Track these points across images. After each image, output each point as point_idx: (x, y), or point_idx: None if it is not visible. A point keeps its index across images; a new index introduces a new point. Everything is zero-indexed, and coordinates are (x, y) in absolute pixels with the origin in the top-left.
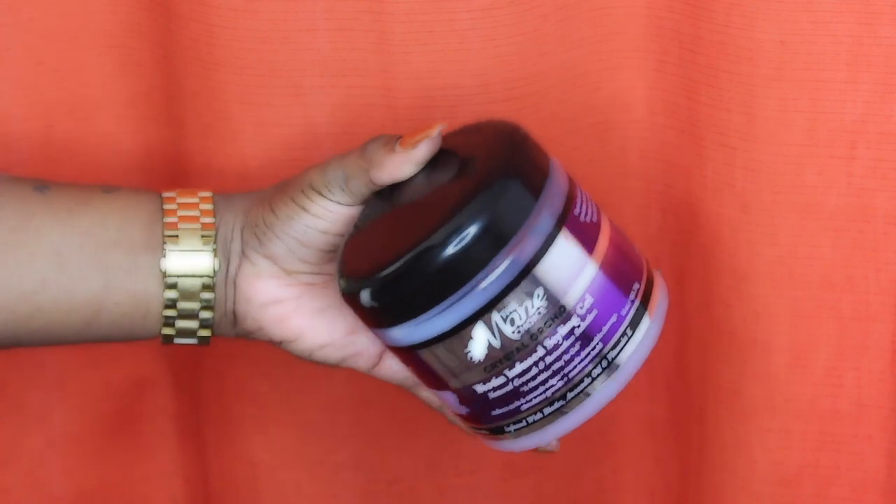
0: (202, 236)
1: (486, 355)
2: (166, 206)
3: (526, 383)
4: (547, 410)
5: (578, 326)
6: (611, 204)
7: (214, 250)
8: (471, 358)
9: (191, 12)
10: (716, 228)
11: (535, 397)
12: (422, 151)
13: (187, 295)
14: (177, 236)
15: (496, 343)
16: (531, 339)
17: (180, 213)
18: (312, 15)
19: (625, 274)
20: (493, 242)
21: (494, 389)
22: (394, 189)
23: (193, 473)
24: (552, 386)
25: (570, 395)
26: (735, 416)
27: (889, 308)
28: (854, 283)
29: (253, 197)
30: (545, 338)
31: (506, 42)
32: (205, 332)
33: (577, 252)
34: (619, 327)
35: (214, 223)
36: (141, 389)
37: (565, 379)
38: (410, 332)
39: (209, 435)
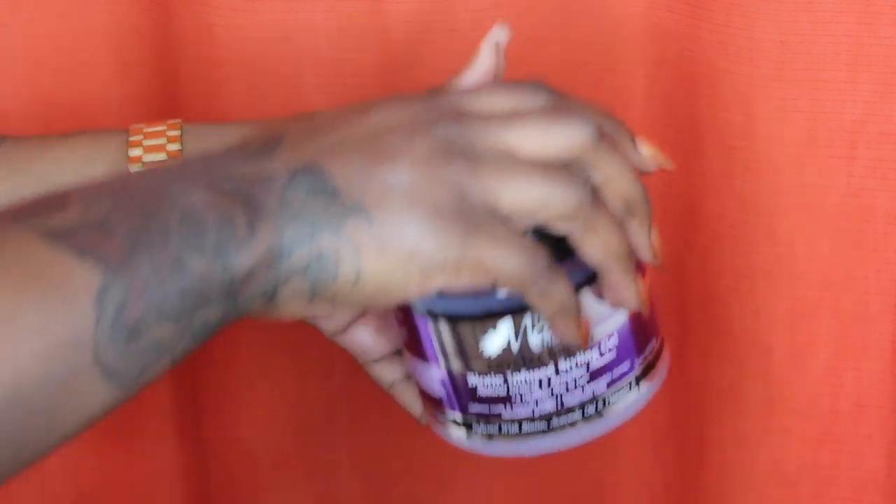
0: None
1: (500, 352)
2: (132, 138)
3: (521, 394)
4: (526, 427)
5: (596, 361)
6: None
7: None
8: (482, 348)
9: (191, 12)
10: (716, 228)
11: (521, 410)
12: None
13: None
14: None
15: (515, 345)
16: (548, 355)
17: (146, 142)
18: (312, 15)
19: (649, 327)
20: (560, 249)
21: (487, 386)
22: None
23: (193, 473)
24: (544, 407)
25: (554, 422)
26: (735, 416)
27: (889, 308)
28: (854, 283)
29: (226, 138)
30: (562, 359)
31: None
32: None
33: None
34: (626, 377)
35: (181, 150)
36: None
37: (559, 405)
38: (437, 300)
39: (209, 434)
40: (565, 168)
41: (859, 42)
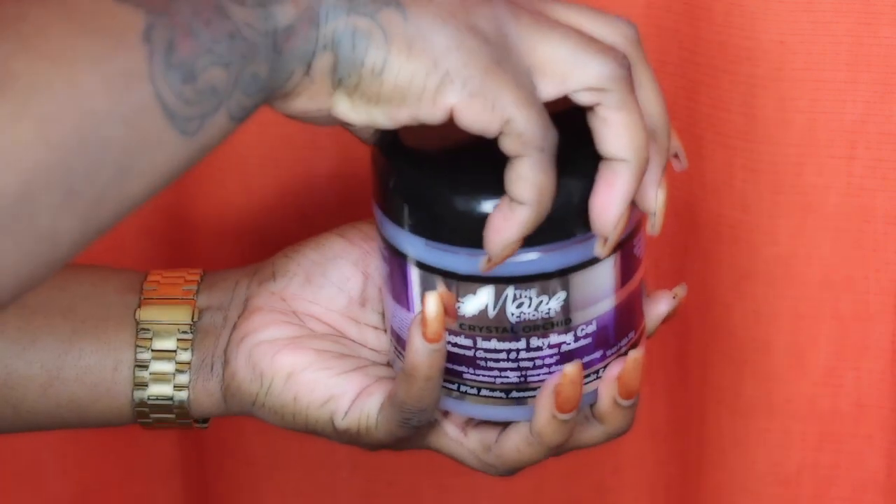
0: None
1: (474, 316)
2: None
3: (487, 360)
4: (484, 392)
5: (568, 345)
6: None
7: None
8: (458, 307)
9: None
10: (716, 228)
11: (484, 375)
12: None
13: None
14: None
15: (491, 313)
16: (522, 330)
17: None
18: None
19: (630, 319)
20: (557, 228)
21: (455, 346)
22: None
23: (193, 473)
24: (506, 378)
25: (514, 394)
26: (735, 416)
27: (889, 308)
28: (854, 283)
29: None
30: (535, 336)
31: None
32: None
33: (613, 280)
34: (595, 365)
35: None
36: None
37: (522, 379)
38: (426, 250)
39: (209, 435)
40: (608, 44)
41: (859, 42)
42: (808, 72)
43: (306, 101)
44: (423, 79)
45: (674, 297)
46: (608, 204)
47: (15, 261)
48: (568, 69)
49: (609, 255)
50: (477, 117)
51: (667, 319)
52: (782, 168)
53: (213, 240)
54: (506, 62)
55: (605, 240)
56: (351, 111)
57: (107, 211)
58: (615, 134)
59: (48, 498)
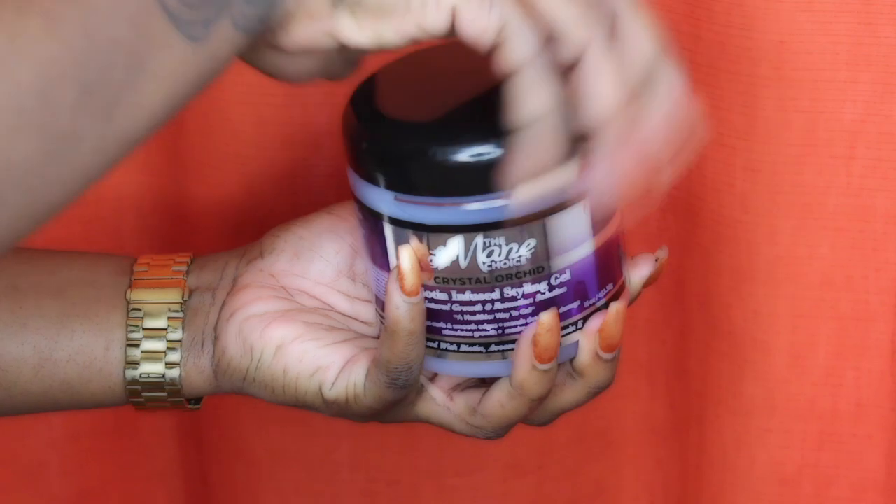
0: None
1: (446, 268)
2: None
3: (463, 313)
4: (464, 348)
5: (542, 294)
6: None
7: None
8: (431, 260)
9: None
10: (716, 228)
11: (462, 329)
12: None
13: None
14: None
15: (462, 263)
16: (495, 280)
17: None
18: None
19: (608, 271)
20: None
21: (431, 301)
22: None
23: (193, 473)
24: (484, 331)
25: (493, 348)
26: (735, 416)
27: (889, 308)
28: (853, 283)
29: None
30: (508, 286)
31: None
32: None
33: (585, 227)
34: (572, 315)
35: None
36: None
37: (499, 332)
38: (395, 205)
39: (209, 435)
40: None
41: (859, 42)
42: (808, 72)
43: (308, 26)
44: None
45: (656, 260)
46: (603, 88)
47: (41, 160)
48: (550, 11)
49: (581, 200)
50: (474, 16)
51: (649, 283)
52: (782, 168)
53: (212, 238)
54: None
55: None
56: (357, 31)
57: (124, 115)
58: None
59: (48, 498)
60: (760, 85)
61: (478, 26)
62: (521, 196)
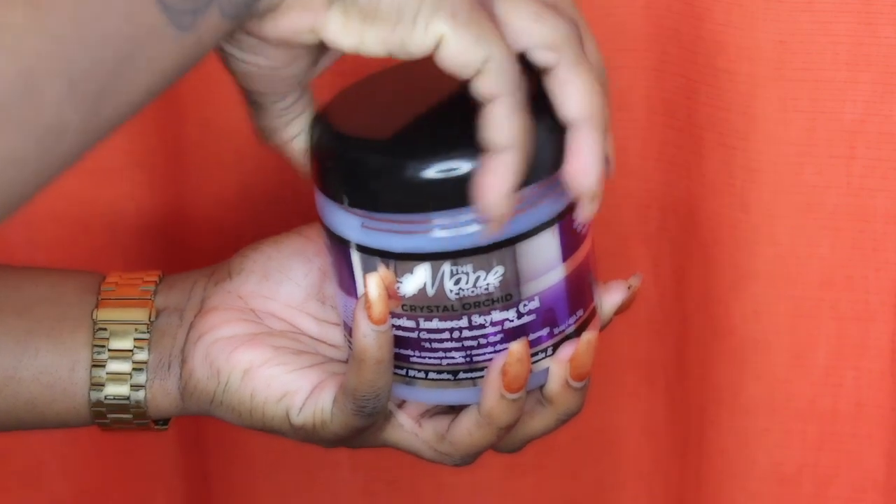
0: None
1: (414, 296)
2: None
3: (431, 341)
4: (432, 375)
5: (511, 321)
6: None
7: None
8: (398, 287)
9: None
10: (715, 228)
11: (430, 357)
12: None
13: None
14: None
15: (430, 291)
16: (463, 308)
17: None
18: None
19: (578, 297)
20: None
21: (398, 328)
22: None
23: (193, 473)
24: (452, 358)
25: (461, 376)
26: (735, 416)
27: (889, 308)
28: (853, 283)
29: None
30: (476, 314)
31: None
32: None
33: (555, 254)
34: (542, 343)
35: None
36: None
37: (468, 359)
38: (363, 232)
39: (209, 435)
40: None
41: (859, 42)
42: (808, 72)
43: (296, 17)
44: (419, 1)
45: (628, 288)
46: (586, 165)
47: (23, 154)
48: (524, 26)
49: (542, 214)
50: (461, 49)
51: (621, 310)
52: (782, 168)
53: (211, 240)
54: (483, 6)
55: (591, 198)
56: (342, 32)
57: (110, 106)
58: (576, 92)
59: (48, 498)
60: (760, 85)
61: (461, 60)
62: (489, 221)
